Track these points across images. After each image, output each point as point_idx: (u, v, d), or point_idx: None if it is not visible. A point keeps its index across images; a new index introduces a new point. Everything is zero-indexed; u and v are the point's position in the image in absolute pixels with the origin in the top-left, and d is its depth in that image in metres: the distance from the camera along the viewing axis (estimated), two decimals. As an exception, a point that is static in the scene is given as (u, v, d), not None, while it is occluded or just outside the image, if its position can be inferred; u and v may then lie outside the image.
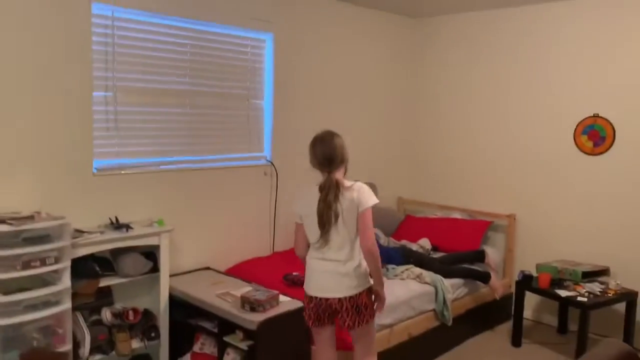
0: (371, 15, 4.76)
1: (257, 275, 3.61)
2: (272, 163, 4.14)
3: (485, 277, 4.05)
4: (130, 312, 3.20)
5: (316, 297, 2.67)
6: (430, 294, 3.70)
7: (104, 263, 3.15)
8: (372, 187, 4.73)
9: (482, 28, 4.71)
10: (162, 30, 3.47)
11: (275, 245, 4.23)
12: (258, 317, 2.89)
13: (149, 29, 3.40)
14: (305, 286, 2.73)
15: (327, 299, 2.63)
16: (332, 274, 2.61)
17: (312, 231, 2.64)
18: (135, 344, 3.20)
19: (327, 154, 2.67)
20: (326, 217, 2.55)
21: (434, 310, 3.72)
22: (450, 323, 3.76)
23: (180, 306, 3.32)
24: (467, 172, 4.86)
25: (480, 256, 4.24)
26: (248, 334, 2.95)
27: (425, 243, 4.39)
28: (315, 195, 2.61)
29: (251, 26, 3.89)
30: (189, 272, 3.65)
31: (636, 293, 3.83)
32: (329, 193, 2.57)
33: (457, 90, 4.93)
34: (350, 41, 4.63)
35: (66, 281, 2.79)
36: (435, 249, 4.43)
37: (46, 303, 2.73)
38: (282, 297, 3.15)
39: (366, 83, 4.83)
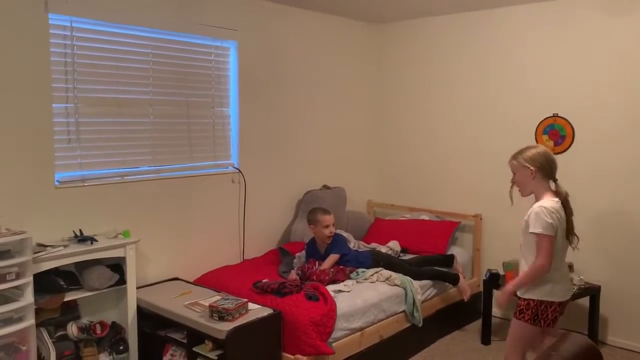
0: (333, 21, 4.80)
1: (226, 283, 3.59)
2: (239, 170, 4.13)
3: (454, 279, 4.11)
4: (98, 326, 3.15)
5: (566, 300, 2.87)
6: (400, 295, 3.73)
7: (69, 277, 3.10)
8: (342, 191, 4.79)
9: (441, 32, 4.79)
10: (123, 40, 3.43)
11: (245, 253, 4.22)
12: (226, 326, 2.88)
13: (110, 39, 3.37)
14: (556, 294, 2.82)
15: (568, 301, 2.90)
16: None
17: (561, 242, 2.81)
18: (104, 358, 3.17)
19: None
20: (572, 226, 2.85)
21: (404, 312, 3.75)
22: (420, 324, 3.80)
23: (148, 318, 3.28)
24: (433, 174, 4.93)
25: (449, 260, 4.29)
26: (217, 343, 2.93)
27: (394, 245, 4.43)
28: (560, 207, 2.79)
29: (215, 35, 3.88)
30: (157, 283, 3.61)
31: (599, 287, 3.94)
32: (569, 203, 2.86)
33: (419, 94, 5.00)
34: (314, 48, 4.66)
35: (29, 297, 2.73)
36: (404, 250, 4.47)
37: (7, 320, 2.67)
38: (251, 305, 3.14)
39: (331, 88, 4.86)
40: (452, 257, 4.31)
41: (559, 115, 4.20)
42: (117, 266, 3.24)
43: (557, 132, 4.22)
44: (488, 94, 4.58)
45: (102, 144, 3.39)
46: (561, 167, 4.20)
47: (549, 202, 2.77)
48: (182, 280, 3.71)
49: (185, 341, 3.09)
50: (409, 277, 3.84)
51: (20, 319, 2.70)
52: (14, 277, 2.66)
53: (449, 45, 4.76)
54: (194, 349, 3.03)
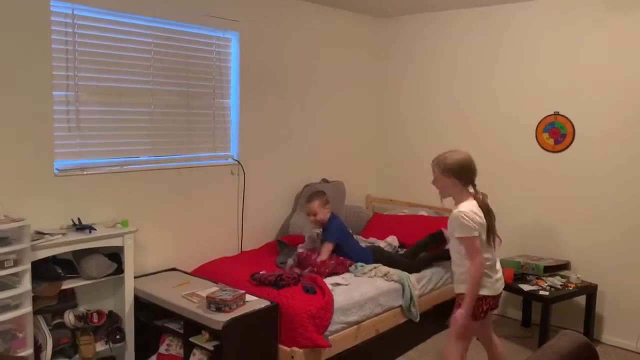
0: (337, 14, 4.78)
1: (224, 275, 3.59)
2: (239, 162, 4.12)
3: (447, 254, 4.07)
4: (95, 315, 3.16)
5: (498, 294, 2.95)
6: (397, 290, 3.74)
7: (67, 265, 3.10)
8: (341, 185, 4.79)
9: (445, 28, 4.78)
10: (125, 28, 3.42)
11: (244, 244, 4.22)
12: (223, 317, 2.89)
13: (112, 27, 3.35)
14: (489, 289, 2.88)
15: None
16: None
17: (484, 242, 2.86)
18: (100, 346, 3.16)
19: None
20: (493, 228, 2.90)
21: (401, 306, 3.76)
22: (417, 319, 3.81)
23: (145, 308, 3.29)
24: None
25: (439, 236, 4.24)
26: (214, 334, 2.94)
27: (392, 240, 4.43)
28: (478, 208, 2.84)
29: (216, 25, 3.86)
30: (155, 273, 3.61)
31: (595, 286, 3.95)
32: (489, 206, 2.91)
33: (421, 89, 4.99)
34: (316, 40, 4.64)
35: (26, 284, 2.73)
36: (402, 246, 4.47)
37: (5, 307, 2.67)
38: (248, 297, 3.15)
39: (333, 81, 4.85)
40: (440, 232, 4.26)
41: (560, 113, 4.19)
42: (115, 255, 3.24)
43: (558, 131, 4.21)
44: (489, 90, 4.57)
45: (102, 133, 3.38)
46: (561, 165, 4.22)
47: (466, 205, 2.82)
48: (180, 270, 3.71)
49: (182, 331, 3.09)
50: (406, 273, 3.84)
51: (17, 306, 2.70)
52: (11, 264, 2.66)
53: (452, 41, 4.75)
54: (190, 339, 3.03)
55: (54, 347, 2.94)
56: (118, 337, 3.22)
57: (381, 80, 5.25)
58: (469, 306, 2.81)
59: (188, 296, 3.16)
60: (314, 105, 4.70)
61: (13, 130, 2.95)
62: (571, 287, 3.85)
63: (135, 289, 3.29)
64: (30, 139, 3.02)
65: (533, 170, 4.37)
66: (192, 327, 3.03)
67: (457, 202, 2.88)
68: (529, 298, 4.08)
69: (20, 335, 2.75)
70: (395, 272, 3.81)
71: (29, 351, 2.77)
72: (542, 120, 4.28)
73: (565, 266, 4.08)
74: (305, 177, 4.62)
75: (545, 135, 4.27)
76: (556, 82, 4.20)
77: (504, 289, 4.07)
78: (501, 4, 4.40)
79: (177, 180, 3.75)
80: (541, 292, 3.74)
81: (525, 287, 3.83)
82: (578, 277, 3.94)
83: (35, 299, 2.83)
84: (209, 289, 3.21)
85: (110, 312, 3.29)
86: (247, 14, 4.05)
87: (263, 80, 4.24)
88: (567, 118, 4.16)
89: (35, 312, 2.86)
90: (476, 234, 2.77)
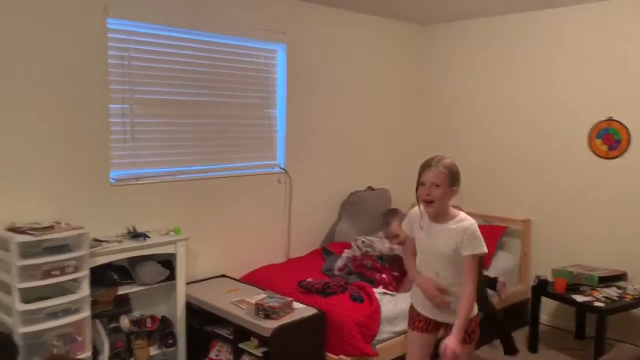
0: (380, 22, 4.79)
1: (271, 282, 3.65)
2: (285, 170, 4.18)
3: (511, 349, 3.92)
4: (148, 320, 3.26)
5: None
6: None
7: (122, 271, 3.22)
8: (386, 193, 4.77)
9: (490, 34, 4.70)
10: (176, 43, 3.54)
11: (291, 252, 4.27)
12: (272, 324, 2.93)
13: (163, 42, 3.48)
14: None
15: None
16: None
17: None
18: (153, 350, 3.26)
19: None
20: None
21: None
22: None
23: (196, 313, 3.37)
24: (481, 178, 4.84)
25: (492, 283, 4.06)
26: (263, 340, 2.98)
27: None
28: None
29: (264, 38, 3.95)
30: (205, 279, 3.70)
31: (654, 298, 3.79)
32: None
33: (466, 96, 4.92)
34: (361, 49, 4.67)
35: (85, 289, 2.86)
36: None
37: (66, 311, 2.80)
38: (296, 304, 3.18)
39: (377, 89, 4.86)
40: (495, 280, 4.09)
41: (614, 118, 4.06)
42: (168, 262, 3.35)
43: (612, 137, 4.08)
44: (537, 96, 4.47)
45: (155, 144, 3.51)
46: (616, 172, 4.08)
47: (468, 217, 2.50)
48: (229, 277, 3.79)
49: (231, 337, 3.16)
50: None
51: (77, 310, 2.83)
52: (72, 270, 2.79)
53: (497, 47, 4.67)
54: (239, 345, 3.09)
55: (110, 350, 3.05)
56: (170, 341, 3.32)
57: (426, 86, 5.21)
58: (461, 332, 2.36)
59: (237, 303, 3.22)
60: (359, 112, 4.72)
61: (72, 142, 3.10)
62: (628, 298, 3.71)
63: (186, 294, 3.38)
64: (88, 150, 3.17)
65: (586, 177, 4.24)
66: (242, 333, 3.09)
67: (446, 212, 2.48)
68: (583, 309, 3.95)
69: (80, 338, 2.87)
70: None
71: (87, 354, 2.89)
72: (594, 126, 4.16)
73: (621, 277, 3.93)
74: (350, 185, 4.64)
75: (599, 141, 4.14)
76: (609, 87, 4.07)
77: (555, 298, 3.93)
78: (547, 8, 4.30)
79: (226, 189, 3.84)
80: (596, 303, 3.62)
81: (579, 298, 3.71)
82: (635, 288, 3.79)
83: (93, 304, 2.95)
84: (257, 295, 3.27)
85: (163, 317, 3.39)
86: (293, 26, 4.12)
87: (309, 89, 4.30)
88: (621, 123, 4.02)
89: (93, 317, 2.98)
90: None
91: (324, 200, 4.53)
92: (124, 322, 3.19)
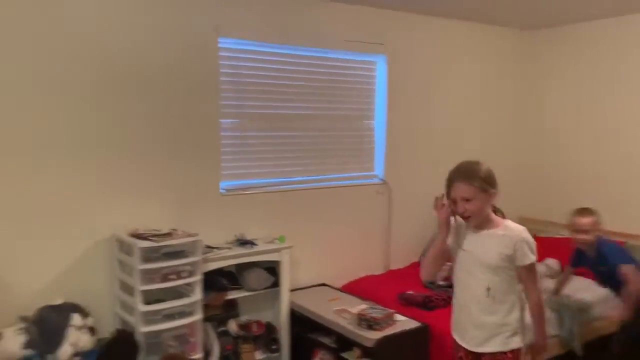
0: (481, 30, 4.66)
1: (371, 292, 3.65)
2: (384, 181, 4.18)
3: None
4: (254, 325, 3.39)
5: None
6: (552, 319, 3.45)
7: (231, 277, 3.38)
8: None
9: (601, 37, 4.41)
10: (280, 59, 3.68)
11: (391, 263, 4.25)
12: (375, 335, 2.93)
13: (268, 58, 3.63)
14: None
15: None
16: None
17: None
18: (258, 355, 3.38)
19: None
20: None
21: (558, 336, 3.48)
22: (580, 353, 3.49)
23: (299, 320, 3.45)
24: (595, 188, 4.53)
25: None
26: (365, 351, 2.99)
27: (553, 264, 4.13)
28: None
29: (363, 50, 3.99)
30: (306, 287, 3.78)
31: None
32: None
33: (573, 100, 4.64)
34: (460, 56, 4.57)
35: (198, 293, 3.02)
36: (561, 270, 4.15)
37: (181, 313, 2.98)
38: (397, 316, 3.16)
39: (479, 97, 4.73)
40: None
41: None
42: (272, 269, 3.46)
43: None
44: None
45: (262, 156, 3.66)
46: None
47: (514, 223, 2.28)
48: (329, 286, 3.84)
49: (334, 346, 3.20)
50: (576, 304, 3.52)
51: (190, 313, 3.00)
52: (187, 275, 2.96)
53: (611, 50, 4.37)
54: (342, 354, 3.12)
55: (219, 352, 3.20)
56: (275, 347, 3.42)
57: (530, 94, 4.99)
58: (544, 337, 2.27)
59: (339, 312, 3.26)
60: (460, 122, 4.61)
61: (187, 155, 3.31)
62: None
63: (290, 302, 3.47)
64: (201, 162, 3.37)
65: None
66: (344, 342, 3.11)
67: (494, 220, 2.26)
68: None
69: (193, 339, 3.04)
70: (551, 301, 3.52)
71: (199, 355, 3.05)
72: None
73: None
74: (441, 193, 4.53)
75: None
76: None
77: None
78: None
79: (326, 199, 3.92)
80: None
81: None
82: None
83: (204, 308, 3.11)
84: (359, 306, 3.28)
85: (268, 323, 3.51)
86: (393, 37, 4.12)
87: (409, 99, 4.27)
88: None
89: (204, 320, 3.14)
90: None
91: (424, 211, 4.40)
92: (232, 326, 3.34)
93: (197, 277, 3.01)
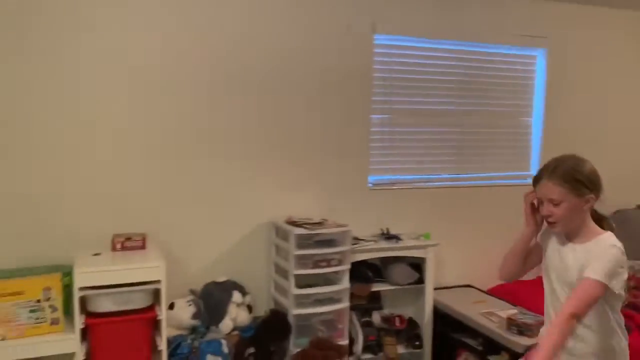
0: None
1: (520, 298, 3.47)
2: (539, 183, 3.96)
3: None
4: (397, 319, 3.41)
5: None
6: None
7: (375, 270, 3.44)
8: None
9: None
10: (432, 53, 3.66)
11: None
12: (527, 341, 2.80)
13: (422, 54, 3.62)
14: None
15: None
16: None
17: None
18: (401, 349, 3.40)
19: None
20: None
21: None
22: None
23: (442, 319, 3.41)
24: None
25: None
26: (514, 356, 2.86)
27: None
28: None
29: (523, 43, 3.81)
30: (451, 287, 3.72)
31: None
32: None
33: None
34: (625, 47, 4.15)
35: (346, 282, 3.12)
36: None
37: (329, 299, 3.10)
38: (551, 324, 2.98)
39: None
40: None
41: None
42: (416, 265, 3.46)
43: None
44: None
45: (410, 152, 3.67)
46: None
47: (614, 239, 1.85)
48: (474, 288, 3.74)
49: (480, 348, 3.11)
50: None
51: (339, 300, 3.11)
52: (336, 263, 3.08)
53: None
54: (489, 357, 3.03)
55: (363, 341, 3.28)
56: (417, 343, 3.41)
57: None
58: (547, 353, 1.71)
59: (487, 314, 3.16)
60: (621, 117, 4.21)
61: (339, 149, 3.44)
62: None
63: (434, 299, 3.45)
64: (351, 156, 3.47)
65: None
66: (491, 346, 3.02)
67: (592, 231, 1.90)
68: None
69: (340, 326, 3.16)
70: None
71: (345, 341, 3.15)
72: None
73: None
74: (615, 201, 4.14)
75: None
76: None
77: None
78: None
79: (475, 198, 3.81)
80: None
81: None
82: None
83: (350, 297, 3.20)
84: (508, 310, 3.16)
85: (410, 318, 3.51)
86: (555, 29, 3.88)
87: (569, 95, 4.00)
88: None
89: (350, 308, 3.24)
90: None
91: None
92: (376, 317, 3.40)
93: (346, 266, 3.11)
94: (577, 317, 1.75)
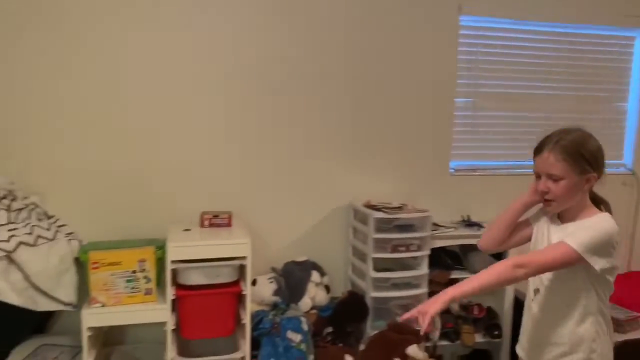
0: None
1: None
2: (634, 172, 3.73)
3: None
4: (476, 307, 3.35)
5: None
6: None
7: (454, 256, 3.39)
8: None
9: None
10: (522, 36, 3.51)
11: (632, 263, 3.80)
12: (616, 337, 2.67)
13: (510, 35, 3.49)
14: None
15: None
16: None
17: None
18: (478, 338, 3.34)
19: None
20: None
21: None
22: None
23: (521, 310, 3.30)
24: None
25: None
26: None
27: None
28: None
29: (619, 24, 3.58)
30: (533, 278, 3.60)
31: None
32: None
33: None
34: None
35: (424, 267, 3.10)
36: None
37: (407, 284, 3.09)
38: (644, 321, 2.84)
39: None
40: None
41: None
42: (496, 255, 3.36)
43: None
44: None
45: (493, 137, 3.57)
46: None
47: (610, 219, 1.68)
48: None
49: (564, 342, 3.00)
50: None
51: (417, 285, 3.09)
52: (415, 249, 3.07)
53: None
54: (573, 351, 2.92)
55: (441, 329, 3.25)
56: (496, 332, 3.34)
57: None
58: (455, 292, 1.67)
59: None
60: None
61: (420, 133, 3.39)
62: None
63: (514, 290, 3.35)
64: (432, 140, 3.42)
65: None
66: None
67: (586, 212, 1.76)
68: None
69: (417, 311, 3.14)
70: None
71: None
72: None
73: None
74: None
75: None
76: None
77: None
78: None
79: (562, 187, 3.65)
80: None
81: None
82: None
83: (428, 282, 3.18)
84: (596, 304, 3.02)
85: (490, 307, 3.44)
86: (658, 7, 3.62)
87: (671, 80, 3.73)
88: None
89: (428, 294, 3.22)
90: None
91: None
92: (454, 305, 3.35)
93: (425, 252, 3.09)
94: (523, 271, 1.62)
